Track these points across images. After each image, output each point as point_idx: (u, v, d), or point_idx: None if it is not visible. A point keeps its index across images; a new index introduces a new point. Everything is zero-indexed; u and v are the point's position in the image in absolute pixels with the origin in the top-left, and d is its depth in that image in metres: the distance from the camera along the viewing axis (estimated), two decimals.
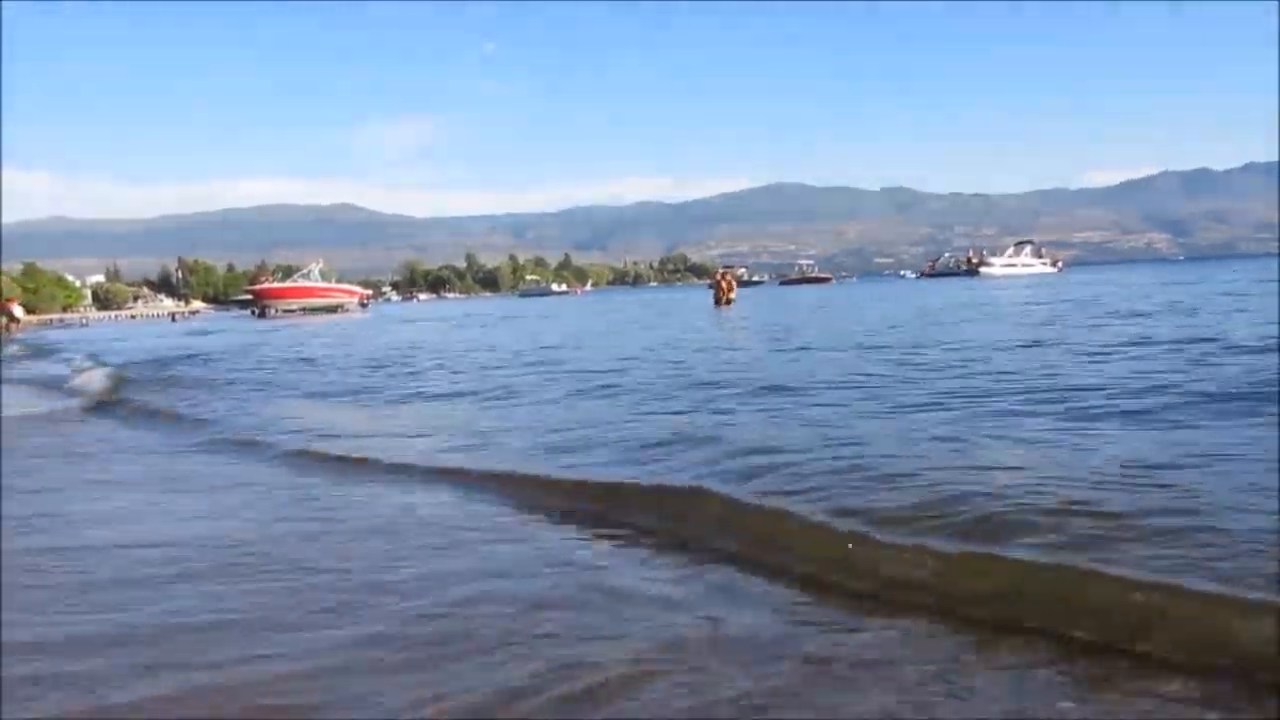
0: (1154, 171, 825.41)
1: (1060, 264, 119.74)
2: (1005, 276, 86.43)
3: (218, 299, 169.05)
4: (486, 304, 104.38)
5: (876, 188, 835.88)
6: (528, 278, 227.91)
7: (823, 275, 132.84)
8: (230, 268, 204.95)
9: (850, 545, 3.59)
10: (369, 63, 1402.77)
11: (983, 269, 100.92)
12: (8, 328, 68.24)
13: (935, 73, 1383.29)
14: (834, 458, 5.14)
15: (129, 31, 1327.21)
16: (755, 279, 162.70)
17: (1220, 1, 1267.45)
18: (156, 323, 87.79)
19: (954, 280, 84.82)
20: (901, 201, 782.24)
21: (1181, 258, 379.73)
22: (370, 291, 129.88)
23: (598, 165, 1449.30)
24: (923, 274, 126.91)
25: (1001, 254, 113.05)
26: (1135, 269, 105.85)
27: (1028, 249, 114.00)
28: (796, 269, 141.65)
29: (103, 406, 11.49)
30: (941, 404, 7.28)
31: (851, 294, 62.14)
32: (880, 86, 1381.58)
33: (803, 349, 14.08)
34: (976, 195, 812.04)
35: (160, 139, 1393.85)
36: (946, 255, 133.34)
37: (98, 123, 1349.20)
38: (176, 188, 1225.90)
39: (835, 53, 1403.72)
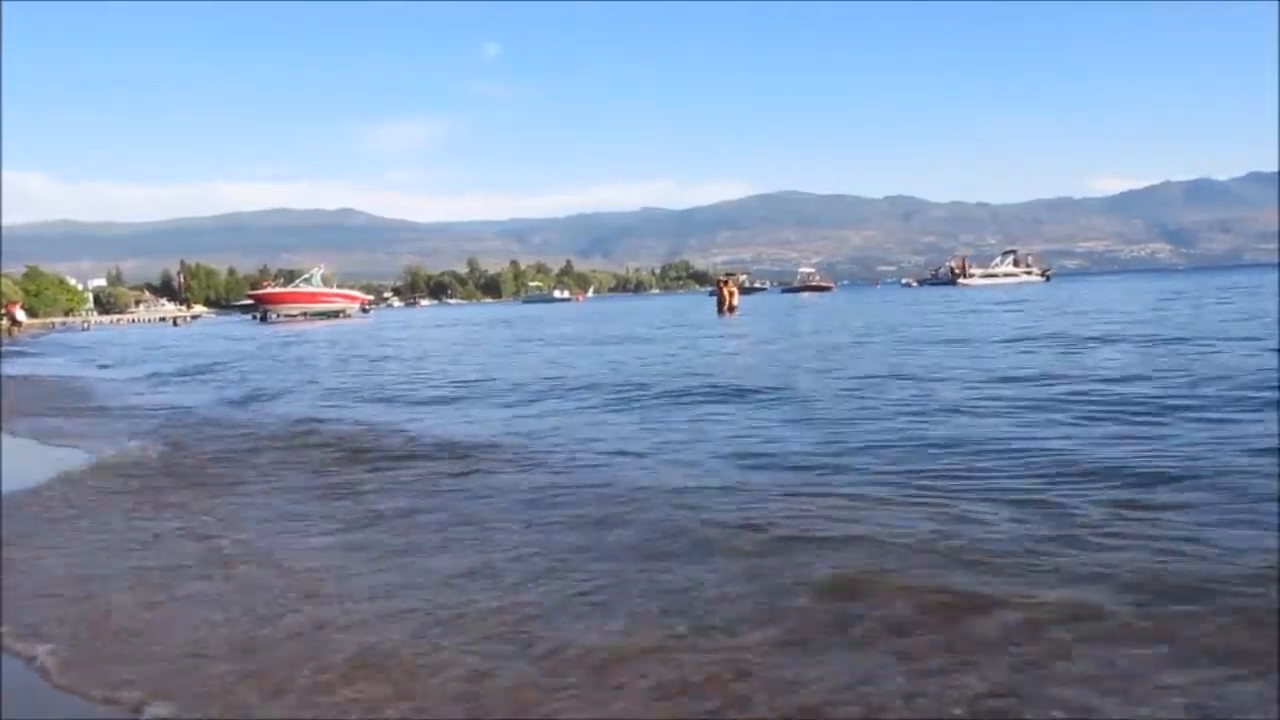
0: (1156, 180, 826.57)
1: (1049, 273, 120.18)
2: (984, 287, 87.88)
3: (219, 303, 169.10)
4: (494, 310, 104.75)
5: (879, 195, 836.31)
6: (530, 284, 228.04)
7: (824, 283, 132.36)
8: (231, 272, 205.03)
9: None
10: (369, 66, 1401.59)
11: (960, 280, 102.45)
12: (10, 331, 68.22)
13: (936, 78, 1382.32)
14: None
15: (128, 33, 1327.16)
16: (758, 286, 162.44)
17: (1221, 2, 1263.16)
18: (159, 327, 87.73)
19: (935, 290, 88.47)
20: (904, 210, 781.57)
21: (1182, 267, 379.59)
22: (371, 297, 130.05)
23: (600, 170, 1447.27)
24: (922, 282, 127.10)
25: (988, 264, 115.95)
26: (1130, 279, 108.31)
27: (1010, 259, 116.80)
28: (799, 276, 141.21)
29: None
30: None
31: (835, 301, 65.67)
32: (882, 92, 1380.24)
33: None
34: (980, 204, 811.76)
35: (162, 141, 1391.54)
36: (949, 264, 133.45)
37: (99, 125, 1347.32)
38: (178, 191, 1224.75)
39: (836, 55, 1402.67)
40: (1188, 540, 4.34)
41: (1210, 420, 7.53)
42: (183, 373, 20.41)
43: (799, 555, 4.38)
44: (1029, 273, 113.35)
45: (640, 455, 7.35)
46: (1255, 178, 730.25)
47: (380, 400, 12.73)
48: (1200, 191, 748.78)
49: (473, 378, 15.42)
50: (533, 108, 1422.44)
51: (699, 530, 4.89)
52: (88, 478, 7.55)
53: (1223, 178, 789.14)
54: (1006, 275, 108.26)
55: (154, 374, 20.88)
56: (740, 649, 3.39)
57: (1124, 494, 5.25)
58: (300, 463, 7.81)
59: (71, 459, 8.50)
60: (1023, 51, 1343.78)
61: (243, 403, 13.36)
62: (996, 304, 38.75)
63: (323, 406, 12.24)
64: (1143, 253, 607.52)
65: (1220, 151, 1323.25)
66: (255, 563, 4.87)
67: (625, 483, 6.28)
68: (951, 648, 3.29)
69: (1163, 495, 5.20)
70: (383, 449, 8.21)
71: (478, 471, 7.01)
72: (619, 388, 12.22)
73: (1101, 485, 5.48)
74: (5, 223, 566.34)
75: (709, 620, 3.68)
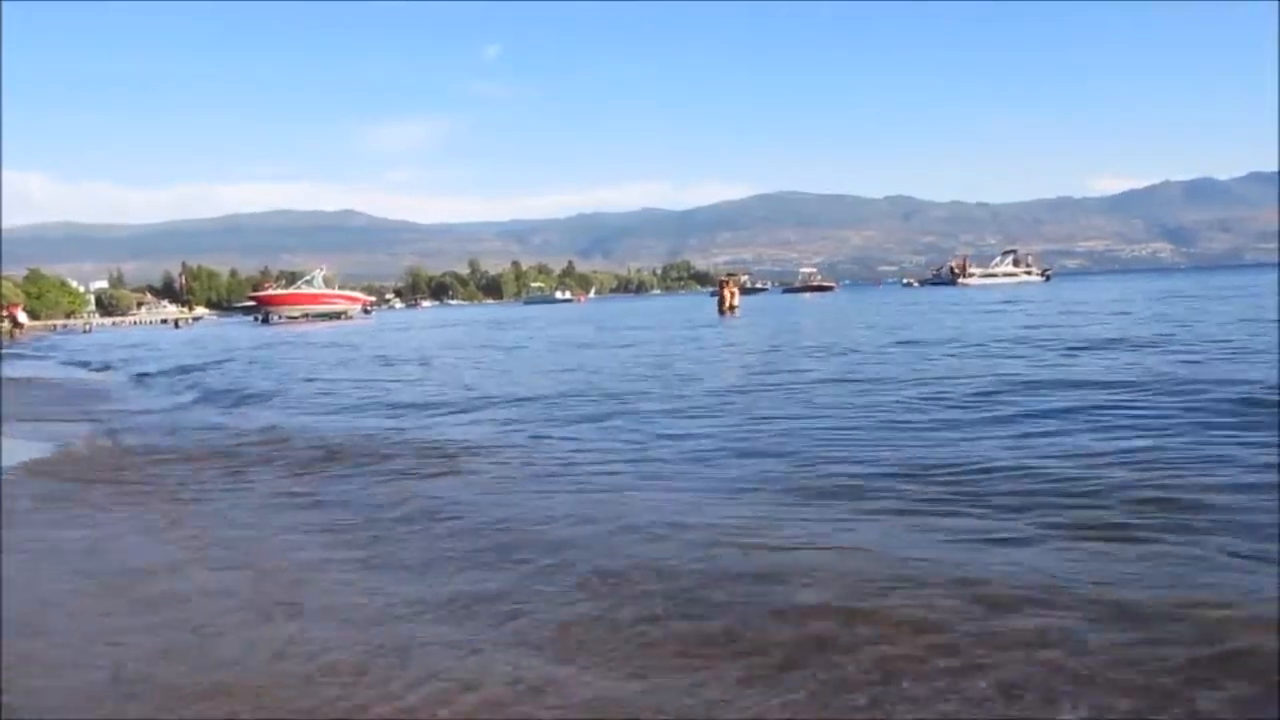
0: (1156, 180, 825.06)
1: (1049, 273, 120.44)
2: (984, 287, 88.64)
3: (221, 305, 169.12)
4: (495, 311, 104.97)
5: (879, 195, 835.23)
6: (531, 285, 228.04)
7: (826, 283, 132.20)
8: (233, 273, 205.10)
9: None
10: (369, 66, 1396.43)
11: (960, 280, 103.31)
12: (11, 334, 68.16)
13: (936, 78, 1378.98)
14: None
15: (128, 33, 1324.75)
16: (759, 286, 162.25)
17: (1221, 2, 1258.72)
18: (161, 329, 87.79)
19: (935, 290, 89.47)
20: (904, 210, 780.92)
21: (1183, 267, 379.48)
22: (373, 298, 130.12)
23: (600, 171, 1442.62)
24: (923, 282, 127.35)
25: (988, 264, 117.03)
26: (1130, 278, 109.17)
27: (1010, 259, 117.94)
28: (800, 276, 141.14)
29: None
30: None
31: (837, 301, 67.19)
32: (882, 92, 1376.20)
33: None
34: (980, 204, 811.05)
35: (162, 142, 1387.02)
36: (950, 264, 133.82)
37: (99, 126, 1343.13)
38: (179, 191, 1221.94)
39: (836, 55, 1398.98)
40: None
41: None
42: (179, 374, 20.39)
43: (791, 575, 4.24)
44: (1029, 272, 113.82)
45: (634, 461, 7.26)
46: (1255, 177, 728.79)
47: (372, 403, 12.69)
48: (1200, 191, 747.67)
49: (468, 380, 15.41)
50: (533, 108, 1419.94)
51: (683, 544, 4.79)
52: (44, 478, 7.41)
53: (1223, 177, 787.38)
54: (1006, 275, 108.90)
55: (149, 375, 20.92)
56: (725, 669, 3.30)
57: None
58: (277, 465, 7.74)
59: (26, 457, 8.38)
60: (1023, 51, 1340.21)
61: (231, 405, 13.32)
62: (996, 304, 38.79)
63: (312, 408, 12.21)
64: (1143, 252, 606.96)
65: (1220, 151, 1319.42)
66: (216, 568, 4.69)
67: (612, 487, 6.23)
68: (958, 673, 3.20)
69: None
70: (366, 451, 8.15)
71: (455, 473, 6.95)
72: (614, 391, 12.19)
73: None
74: (6, 224, 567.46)
75: (696, 632, 3.59)
